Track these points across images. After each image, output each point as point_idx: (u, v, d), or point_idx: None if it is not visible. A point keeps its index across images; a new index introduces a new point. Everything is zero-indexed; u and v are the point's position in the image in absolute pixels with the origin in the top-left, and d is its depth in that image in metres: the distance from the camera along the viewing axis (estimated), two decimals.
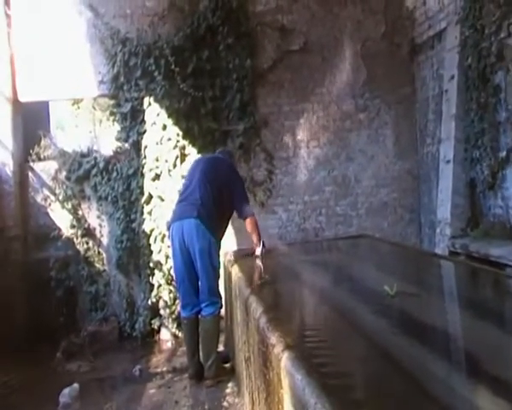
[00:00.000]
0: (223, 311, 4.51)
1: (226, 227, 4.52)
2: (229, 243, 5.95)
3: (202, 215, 4.14)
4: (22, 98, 5.98)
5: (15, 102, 5.93)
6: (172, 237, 4.24)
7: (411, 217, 6.36)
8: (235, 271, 3.82)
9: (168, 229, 4.36)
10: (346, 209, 6.31)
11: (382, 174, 6.35)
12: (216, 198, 4.24)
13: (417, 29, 6.18)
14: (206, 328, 4.28)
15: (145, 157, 5.83)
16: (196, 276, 4.23)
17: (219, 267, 4.34)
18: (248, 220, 4.43)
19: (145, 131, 5.85)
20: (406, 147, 6.37)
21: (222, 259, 4.75)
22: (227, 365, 4.49)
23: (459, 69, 5.08)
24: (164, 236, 5.61)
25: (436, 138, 5.74)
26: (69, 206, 6.03)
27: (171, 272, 4.44)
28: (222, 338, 5.20)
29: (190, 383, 4.39)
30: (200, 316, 4.31)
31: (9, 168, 5.82)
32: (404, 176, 6.37)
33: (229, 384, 4.24)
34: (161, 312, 5.78)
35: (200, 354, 4.33)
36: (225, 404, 3.95)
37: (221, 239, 4.40)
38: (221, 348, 5.02)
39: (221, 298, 4.35)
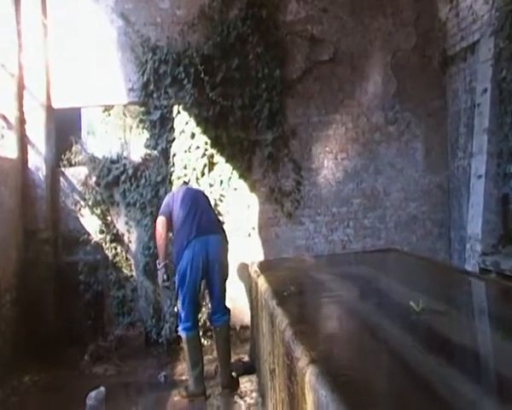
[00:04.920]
0: (245, 321, 4.55)
1: None
2: (255, 254, 5.98)
3: (222, 231, 4.54)
4: (56, 105, 6.12)
5: (49, 109, 6.08)
6: (194, 252, 4.24)
7: (441, 232, 6.25)
8: (262, 281, 3.81)
9: (186, 244, 4.28)
10: (375, 222, 6.24)
11: (412, 188, 6.27)
12: (216, 217, 4.81)
13: (449, 41, 6.10)
14: (225, 336, 4.46)
15: (173, 165, 5.89)
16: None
17: None
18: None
19: (174, 139, 5.92)
20: (437, 160, 6.28)
21: (249, 269, 4.83)
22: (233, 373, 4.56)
23: (492, 82, 4.98)
24: None
25: (468, 152, 5.64)
26: (98, 211, 6.12)
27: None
28: (247, 347, 5.23)
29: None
30: (216, 327, 4.46)
31: (42, 173, 5.95)
32: (433, 190, 6.27)
33: (254, 395, 4.23)
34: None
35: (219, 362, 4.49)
36: None
37: None
38: (246, 358, 5.04)
39: None
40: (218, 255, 4.32)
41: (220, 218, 5.60)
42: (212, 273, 4.32)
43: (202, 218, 4.38)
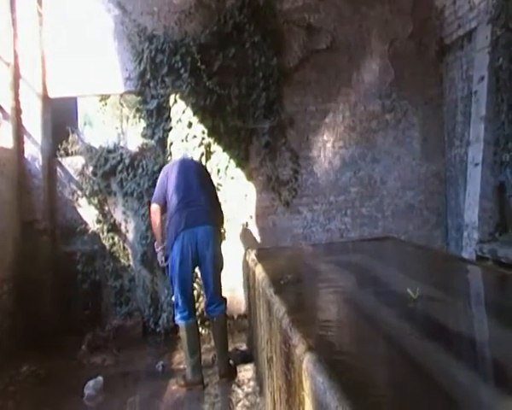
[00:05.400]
0: (242, 309, 4.56)
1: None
2: (252, 242, 6.00)
3: (213, 219, 4.42)
4: (52, 94, 6.08)
5: (45, 98, 6.04)
6: (183, 244, 4.26)
7: (438, 220, 6.27)
8: (259, 270, 3.82)
9: (175, 237, 4.29)
10: (372, 211, 6.25)
11: (408, 176, 6.27)
12: (211, 197, 4.55)
13: (446, 29, 6.08)
14: (222, 325, 4.45)
15: (170, 154, 5.88)
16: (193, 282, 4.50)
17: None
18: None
19: (171, 129, 5.90)
20: (433, 149, 6.28)
21: (246, 257, 4.84)
22: (231, 362, 4.59)
23: (489, 70, 4.98)
24: None
25: (464, 141, 5.65)
26: (95, 201, 6.11)
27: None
28: (244, 337, 5.25)
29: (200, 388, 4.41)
30: (212, 317, 4.47)
31: (39, 163, 5.92)
32: (430, 178, 6.28)
33: (252, 383, 4.25)
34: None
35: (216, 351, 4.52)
36: (247, 403, 3.98)
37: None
38: (244, 346, 5.06)
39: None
40: (208, 247, 4.27)
41: None
42: (204, 264, 4.32)
43: (193, 206, 4.32)
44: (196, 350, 4.39)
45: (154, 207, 4.52)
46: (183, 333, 4.43)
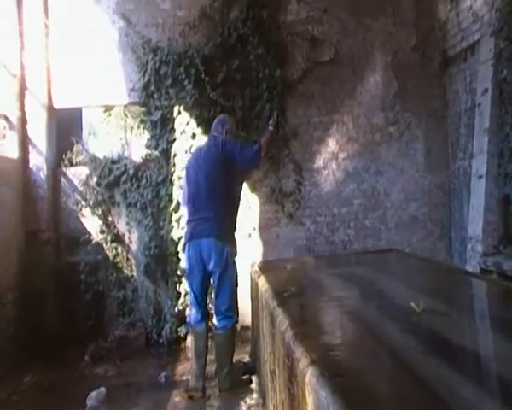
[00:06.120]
0: (246, 321, 4.53)
1: (237, 213, 4.51)
2: (255, 254, 5.98)
3: (218, 232, 4.20)
4: (57, 105, 6.13)
5: (50, 109, 6.08)
6: (189, 255, 4.29)
7: (442, 232, 6.25)
8: (262, 282, 3.82)
9: (184, 247, 4.40)
10: (375, 223, 6.24)
11: (412, 188, 6.27)
12: (225, 194, 4.27)
13: (450, 41, 6.10)
14: (220, 340, 4.33)
15: (174, 165, 5.89)
16: (207, 290, 4.41)
17: (237, 276, 4.38)
18: (261, 151, 4.34)
19: (174, 140, 5.92)
20: (437, 161, 6.27)
21: (248, 269, 4.79)
22: (245, 376, 4.51)
23: (493, 82, 4.98)
24: None
25: (468, 153, 5.64)
26: (99, 211, 6.13)
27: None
28: (248, 348, 5.23)
29: (208, 393, 4.38)
30: (213, 329, 4.42)
31: (43, 173, 5.95)
32: (434, 190, 6.27)
33: (254, 396, 4.23)
34: (188, 320, 5.81)
35: (216, 365, 4.42)
36: None
37: (235, 230, 4.43)
38: (247, 358, 5.04)
39: (237, 312, 4.39)
40: (210, 259, 4.20)
41: None
42: (213, 276, 4.29)
43: (200, 217, 4.26)
44: (201, 356, 4.35)
45: (184, 210, 4.70)
46: (191, 337, 4.46)
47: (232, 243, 4.34)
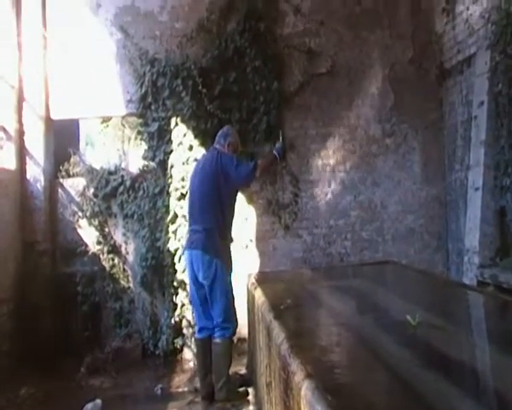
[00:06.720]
0: (242, 333, 4.52)
1: (231, 227, 4.48)
2: (252, 265, 5.97)
3: (207, 245, 4.20)
4: (54, 116, 6.13)
5: (48, 120, 6.09)
6: (187, 264, 4.41)
7: (438, 244, 6.25)
8: (258, 294, 3.81)
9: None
10: (372, 235, 6.23)
11: (409, 200, 6.28)
12: (217, 207, 4.27)
13: (446, 54, 6.14)
14: (216, 351, 4.32)
15: (171, 177, 5.88)
16: (206, 301, 4.32)
17: (231, 290, 4.37)
18: (256, 172, 4.40)
19: (171, 151, 5.91)
20: (434, 173, 6.29)
21: (245, 281, 4.78)
22: (242, 388, 4.48)
23: (489, 95, 5.02)
24: None
25: (465, 165, 5.67)
26: (96, 222, 6.12)
27: None
28: (244, 360, 5.21)
29: (204, 404, 4.38)
30: (212, 339, 4.37)
31: (40, 184, 5.95)
32: (431, 202, 6.28)
33: (251, 408, 4.21)
34: (184, 331, 5.78)
35: (212, 376, 4.36)
36: None
37: (230, 246, 4.42)
38: (243, 370, 5.01)
39: (234, 323, 4.37)
40: (199, 270, 4.21)
41: None
42: (207, 288, 4.28)
43: (194, 229, 4.33)
44: (203, 365, 4.39)
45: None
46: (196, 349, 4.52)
47: (224, 256, 4.28)
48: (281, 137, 4.74)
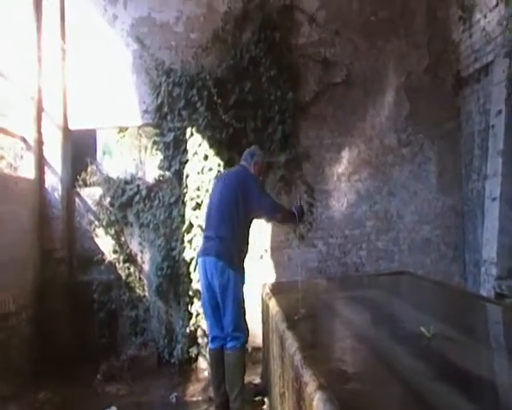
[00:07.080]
0: (257, 342, 4.50)
1: (248, 242, 4.43)
2: (267, 275, 5.97)
3: (222, 252, 4.19)
4: (72, 126, 6.23)
5: (66, 130, 6.19)
6: (200, 272, 4.36)
7: (455, 255, 6.19)
8: (273, 304, 3.81)
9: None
10: (388, 245, 6.20)
11: (425, 210, 6.23)
12: (234, 220, 4.25)
13: (463, 62, 6.11)
14: (229, 362, 4.28)
15: (186, 186, 5.92)
16: (218, 310, 4.29)
17: (243, 300, 4.32)
18: (277, 213, 4.47)
19: (187, 161, 5.96)
20: (450, 183, 6.24)
21: (260, 291, 4.77)
22: (258, 398, 4.46)
23: (507, 104, 4.97)
24: None
25: (482, 175, 5.61)
26: (112, 231, 6.19)
27: None
28: (259, 370, 5.20)
29: None
30: (224, 350, 4.36)
31: (58, 193, 6.04)
32: (447, 212, 6.23)
33: None
34: (199, 340, 5.80)
35: (226, 386, 4.32)
36: None
37: (244, 260, 4.37)
38: (258, 379, 5.01)
39: (246, 332, 4.33)
40: (213, 278, 4.19)
41: None
42: (219, 295, 4.28)
43: (210, 237, 4.30)
44: (216, 376, 4.36)
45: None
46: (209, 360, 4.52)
47: (237, 266, 4.25)
48: (300, 200, 4.73)
